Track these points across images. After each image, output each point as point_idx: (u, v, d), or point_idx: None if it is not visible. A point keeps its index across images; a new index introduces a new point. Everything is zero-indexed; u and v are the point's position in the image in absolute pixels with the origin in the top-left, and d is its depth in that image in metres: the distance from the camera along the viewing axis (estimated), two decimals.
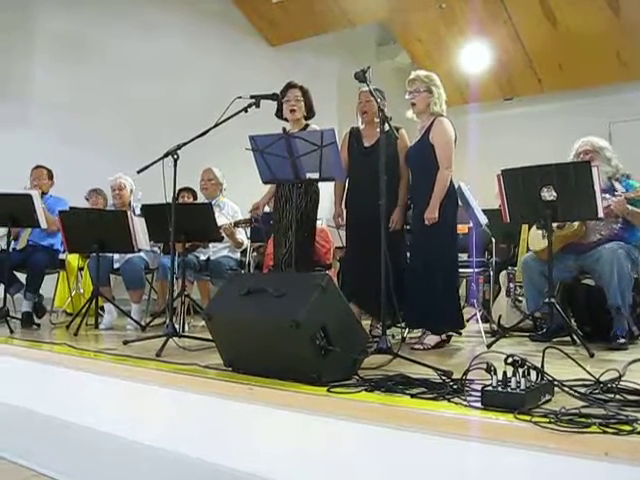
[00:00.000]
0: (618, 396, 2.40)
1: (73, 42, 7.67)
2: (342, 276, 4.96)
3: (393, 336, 4.44)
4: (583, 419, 2.09)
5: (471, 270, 5.33)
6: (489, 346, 4.01)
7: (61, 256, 6.13)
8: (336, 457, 2.58)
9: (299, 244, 4.41)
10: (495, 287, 5.64)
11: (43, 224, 5.33)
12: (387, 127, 3.70)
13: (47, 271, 6.01)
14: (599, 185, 3.91)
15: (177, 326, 4.37)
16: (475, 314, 5.21)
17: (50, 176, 6.08)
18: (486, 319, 5.33)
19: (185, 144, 4.10)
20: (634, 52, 7.98)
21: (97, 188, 6.88)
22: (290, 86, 4.71)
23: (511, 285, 5.43)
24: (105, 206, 6.73)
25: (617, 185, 4.45)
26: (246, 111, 4.03)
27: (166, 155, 4.07)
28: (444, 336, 4.36)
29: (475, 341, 4.68)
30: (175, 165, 4.08)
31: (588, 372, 2.68)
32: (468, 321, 5.65)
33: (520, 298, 5.29)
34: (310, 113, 4.76)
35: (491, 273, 5.61)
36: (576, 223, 4.38)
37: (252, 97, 4.06)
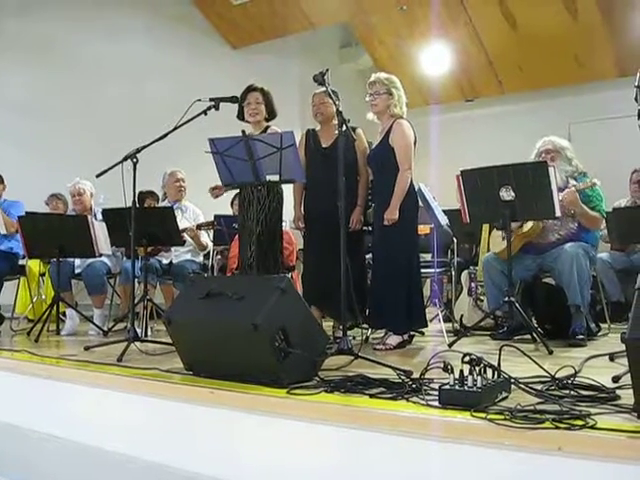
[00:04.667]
0: (573, 392, 2.45)
1: (35, 45, 7.57)
2: (302, 280, 4.91)
3: (354, 337, 4.44)
4: (537, 415, 2.13)
5: (433, 270, 5.37)
6: (450, 345, 4.06)
7: (21, 262, 6.04)
8: (297, 458, 2.59)
9: (265, 246, 4.40)
10: (457, 287, 5.68)
11: (2, 230, 5.26)
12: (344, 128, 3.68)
13: (7, 277, 5.92)
14: (556, 185, 3.98)
15: (139, 330, 4.34)
16: (438, 314, 5.26)
17: (1, 180, 5.98)
18: (448, 318, 5.37)
19: (144, 147, 4.07)
20: (591, 54, 8.10)
21: (57, 193, 6.78)
22: (250, 89, 4.63)
23: (472, 285, 5.49)
24: (65, 211, 6.64)
25: (573, 182, 4.51)
26: (205, 114, 4.02)
27: (125, 159, 4.04)
28: (406, 336, 4.38)
29: (437, 340, 4.71)
30: (134, 169, 4.05)
31: (544, 369, 2.72)
32: (431, 321, 5.70)
33: (482, 297, 5.35)
34: (271, 115, 4.70)
35: (453, 273, 5.65)
36: (531, 222, 4.44)
37: (211, 100, 4.05)
